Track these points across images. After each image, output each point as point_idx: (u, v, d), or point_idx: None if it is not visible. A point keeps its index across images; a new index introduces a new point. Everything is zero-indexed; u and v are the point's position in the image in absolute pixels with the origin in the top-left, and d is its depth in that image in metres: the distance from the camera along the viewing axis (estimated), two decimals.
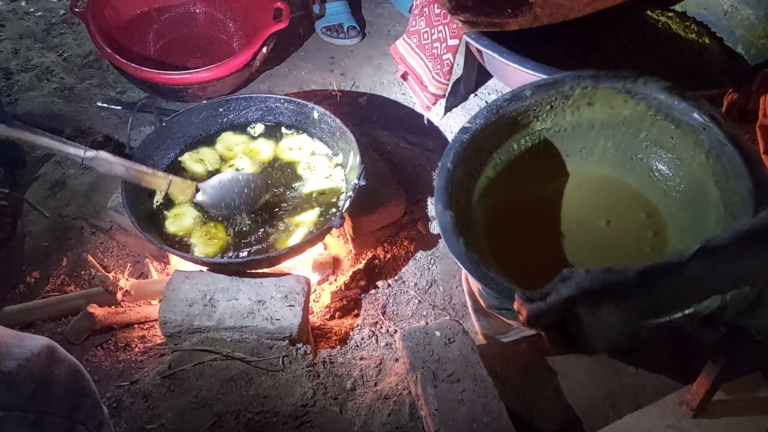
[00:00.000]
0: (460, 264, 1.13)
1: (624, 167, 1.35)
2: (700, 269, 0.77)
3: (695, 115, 1.20)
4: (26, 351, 0.74)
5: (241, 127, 1.77)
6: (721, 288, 0.83)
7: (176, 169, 1.66)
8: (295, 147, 1.73)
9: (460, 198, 1.25)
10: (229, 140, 1.73)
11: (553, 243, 1.27)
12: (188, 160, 1.68)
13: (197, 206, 1.55)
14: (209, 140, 1.73)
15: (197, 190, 1.46)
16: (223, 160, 1.69)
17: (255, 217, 1.56)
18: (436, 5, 1.70)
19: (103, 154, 1.34)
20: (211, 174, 1.63)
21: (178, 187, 1.45)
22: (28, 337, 0.77)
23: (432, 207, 1.79)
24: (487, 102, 2.07)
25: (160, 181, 1.41)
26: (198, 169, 1.66)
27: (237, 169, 1.65)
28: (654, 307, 0.78)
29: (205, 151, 1.70)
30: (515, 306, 0.86)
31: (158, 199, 1.59)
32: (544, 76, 1.40)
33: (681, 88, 1.23)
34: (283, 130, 1.77)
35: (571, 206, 1.33)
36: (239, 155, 1.70)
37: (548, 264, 1.24)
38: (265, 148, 1.72)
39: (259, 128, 1.77)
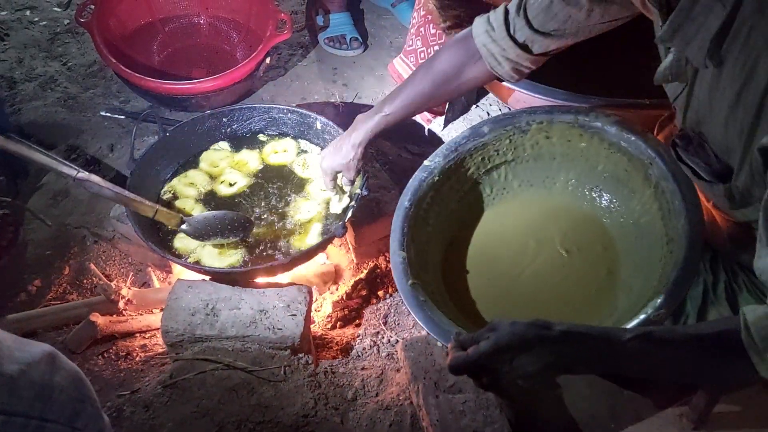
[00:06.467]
0: (406, 304, 1.17)
1: (585, 198, 1.36)
2: (637, 350, 0.83)
3: (643, 148, 1.21)
4: (27, 356, 0.73)
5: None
6: (651, 374, 0.91)
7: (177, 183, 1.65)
8: (280, 150, 1.71)
9: (417, 235, 1.28)
10: (211, 157, 1.69)
11: (512, 274, 1.29)
12: (178, 184, 1.64)
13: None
14: (193, 162, 1.69)
15: (182, 221, 1.49)
16: (212, 177, 1.66)
17: (260, 223, 1.56)
18: (431, 25, 1.72)
19: (94, 178, 1.39)
20: (205, 195, 1.62)
21: (164, 216, 1.48)
22: (29, 343, 0.77)
23: None
24: (488, 113, 2.08)
25: (146, 209, 1.45)
26: (190, 192, 1.62)
27: (230, 184, 1.63)
28: (568, 366, 0.86)
29: (193, 174, 1.66)
30: (449, 348, 0.91)
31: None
32: (535, 95, 1.42)
33: (629, 122, 1.24)
34: (261, 137, 1.74)
35: (534, 235, 1.33)
36: (227, 170, 1.66)
37: (504, 295, 1.28)
38: (251, 158, 1.70)
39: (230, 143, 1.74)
